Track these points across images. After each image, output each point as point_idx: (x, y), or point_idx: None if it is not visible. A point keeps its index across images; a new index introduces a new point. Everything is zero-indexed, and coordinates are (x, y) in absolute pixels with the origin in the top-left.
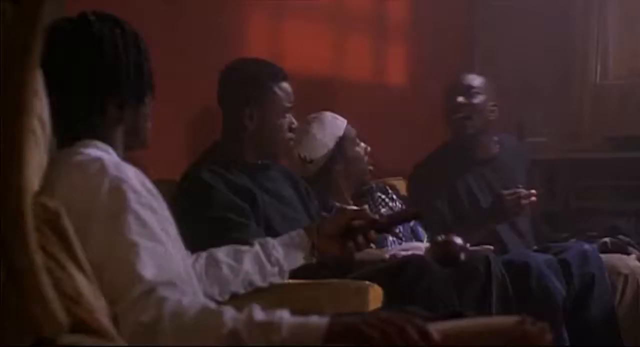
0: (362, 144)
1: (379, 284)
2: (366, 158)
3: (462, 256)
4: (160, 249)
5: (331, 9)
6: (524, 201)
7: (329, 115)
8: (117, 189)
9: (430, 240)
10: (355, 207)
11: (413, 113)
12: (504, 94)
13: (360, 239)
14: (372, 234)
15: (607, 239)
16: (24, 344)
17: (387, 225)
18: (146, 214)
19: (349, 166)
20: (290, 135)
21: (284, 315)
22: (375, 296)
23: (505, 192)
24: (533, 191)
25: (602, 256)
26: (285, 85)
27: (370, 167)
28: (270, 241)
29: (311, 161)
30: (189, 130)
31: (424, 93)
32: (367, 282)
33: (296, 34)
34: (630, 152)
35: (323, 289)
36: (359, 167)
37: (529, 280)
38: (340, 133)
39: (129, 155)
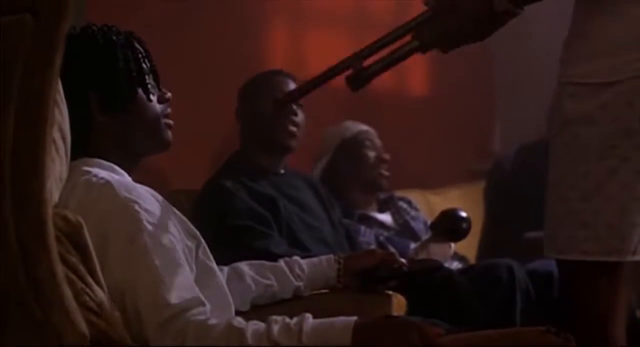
0: (376, 153)
1: (403, 293)
2: (382, 165)
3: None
4: (178, 269)
5: (352, 18)
6: None
7: (349, 122)
8: (130, 211)
9: None
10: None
11: (433, 123)
12: (522, 99)
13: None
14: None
15: None
16: None
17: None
18: (161, 235)
19: (357, 168)
20: (291, 128)
21: (306, 317)
22: (398, 305)
23: None
24: None
25: None
26: (279, 78)
27: (386, 173)
28: (297, 260)
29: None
30: (212, 141)
31: (444, 103)
32: (390, 292)
33: (316, 42)
34: None
35: (346, 298)
36: (367, 170)
37: (553, 290)
38: (348, 134)
39: (150, 166)
